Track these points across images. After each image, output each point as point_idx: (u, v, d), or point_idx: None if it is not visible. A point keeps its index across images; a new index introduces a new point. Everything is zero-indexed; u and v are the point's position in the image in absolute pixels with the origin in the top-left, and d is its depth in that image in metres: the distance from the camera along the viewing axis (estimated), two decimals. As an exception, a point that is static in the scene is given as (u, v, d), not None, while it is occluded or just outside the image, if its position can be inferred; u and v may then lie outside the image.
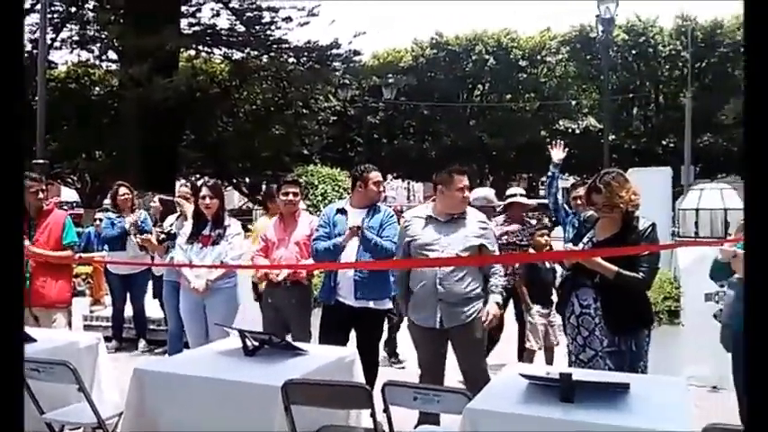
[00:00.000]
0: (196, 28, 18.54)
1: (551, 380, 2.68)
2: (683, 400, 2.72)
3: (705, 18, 26.27)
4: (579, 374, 2.89)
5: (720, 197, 5.67)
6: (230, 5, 18.43)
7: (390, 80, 23.13)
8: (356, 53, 19.51)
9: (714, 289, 5.33)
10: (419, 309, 3.94)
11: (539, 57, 27.87)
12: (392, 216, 4.52)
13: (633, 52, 26.54)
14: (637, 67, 26.53)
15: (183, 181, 13.78)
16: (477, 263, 3.99)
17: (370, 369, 4.04)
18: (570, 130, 26.62)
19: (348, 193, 9.20)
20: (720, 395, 5.01)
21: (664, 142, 24.65)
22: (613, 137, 22.98)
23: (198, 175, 23.80)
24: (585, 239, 3.65)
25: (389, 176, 32.58)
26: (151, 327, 6.75)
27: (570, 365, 3.63)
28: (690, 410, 2.61)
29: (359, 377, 3.54)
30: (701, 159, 22.38)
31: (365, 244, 4.27)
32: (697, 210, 5.73)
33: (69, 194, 24.70)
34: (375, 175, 4.53)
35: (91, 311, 7.69)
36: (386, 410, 2.78)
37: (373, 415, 2.74)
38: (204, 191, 4.84)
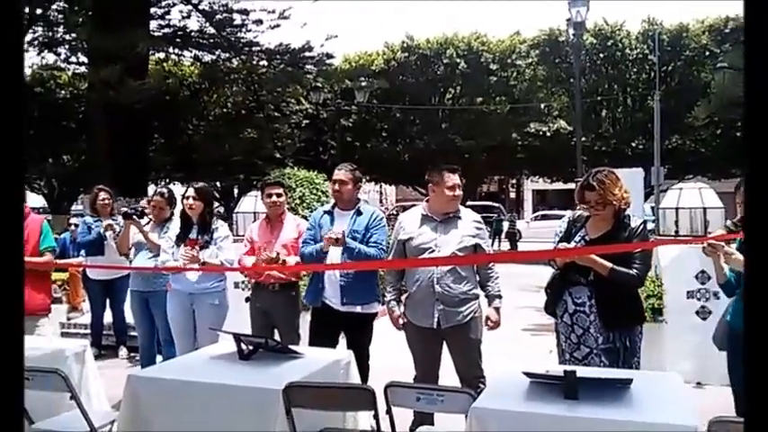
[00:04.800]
0: (166, 30, 18.28)
1: (555, 377, 2.69)
2: (682, 394, 2.75)
3: (670, 22, 26.72)
4: (579, 372, 2.92)
5: (699, 196, 5.77)
6: (200, 7, 18.22)
7: (363, 83, 23.10)
8: (328, 56, 19.41)
9: (696, 286, 5.44)
10: (415, 308, 3.93)
11: (509, 60, 28.06)
12: (380, 219, 4.45)
13: (601, 56, 26.88)
14: (605, 70, 26.89)
15: (155, 188, 13.68)
16: (471, 261, 4.00)
17: (362, 373, 4.03)
18: (541, 133, 26.88)
19: (326, 196, 9.19)
20: (705, 391, 5.09)
21: (633, 144, 25.01)
22: (583, 139, 23.26)
23: (167, 180, 23.50)
24: (578, 238, 3.67)
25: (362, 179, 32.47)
26: (132, 333, 6.62)
27: (563, 364, 3.65)
28: (690, 405, 2.64)
29: (355, 379, 3.52)
30: (670, 160, 22.76)
31: (349, 253, 4.22)
32: (677, 209, 5.81)
33: (36, 200, 24.18)
34: (336, 174, 4.46)
35: (68, 318, 7.51)
36: (388, 412, 2.76)
37: (376, 416, 2.72)
38: (189, 192, 4.75)
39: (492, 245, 24.37)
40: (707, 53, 25.27)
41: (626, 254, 3.46)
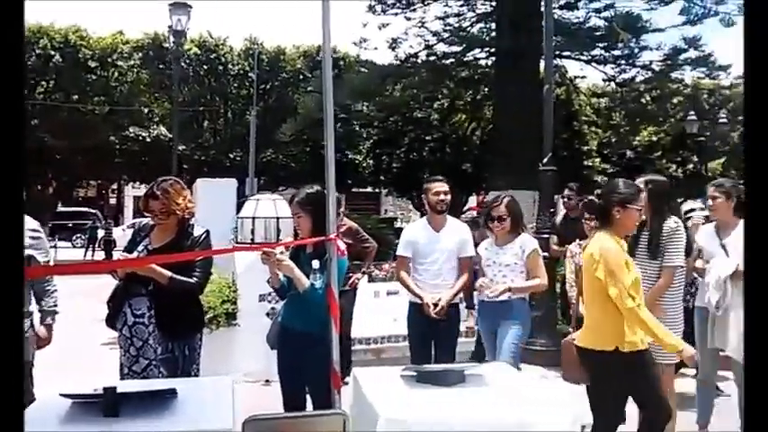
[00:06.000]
0: None
1: (92, 396, 2.54)
2: (225, 397, 2.85)
3: (271, 44, 28.68)
4: (130, 386, 2.82)
5: (274, 207, 6.22)
6: None
7: None
8: None
9: (267, 290, 5.82)
10: None
11: (110, 59, 26.61)
12: None
13: (205, 67, 27.40)
14: (208, 81, 27.47)
15: None
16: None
17: None
18: (141, 138, 26.09)
19: None
20: (271, 388, 5.46)
21: (231, 155, 26.04)
22: (183, 147, 23.27)
23: None
24: (141, 247, 3.58)
25: None
26: None
27: (124, 378, 3.51)
28: (232, 406, 2.76)
29: None
30: (266, 173, 24.32)
31: None
32: (254, 218, 6.16)
33: None
34: None
35: None
36: None
37: None
38: None
39: (86, 253, 22.71)
40: (301, 77, 27.77)
41: (188, 262, 3.49)
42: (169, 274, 3.36)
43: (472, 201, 28.34)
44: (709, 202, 4.44)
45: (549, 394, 3.36)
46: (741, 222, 4.35)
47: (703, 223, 5.07)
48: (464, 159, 24.76)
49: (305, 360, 3.44)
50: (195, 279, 3.48)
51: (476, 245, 4.83)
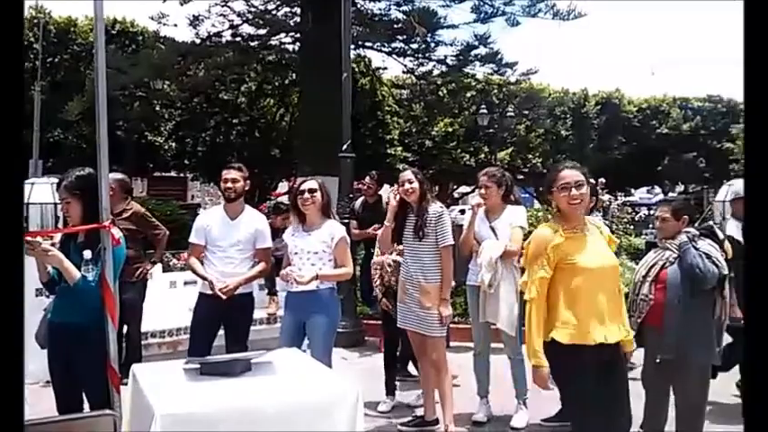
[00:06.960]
0: None
1: None
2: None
3: (59, 14, 26.12)
4: None
5: (51, 191, 5.75)
6: None
7: None
8: None
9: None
10: None
11: None
12: None
13: (-21, 34, 24.38)
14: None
15: None
16: None
17: None
18: None
19: None
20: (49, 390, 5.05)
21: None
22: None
23: None
24: None
25: None
26: None
27: None
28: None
29: None
30: (53, 154, 22.17)
31: None
32: (28, 204, 5.67)
33: None
34: None
35: None
36: None
37: None
38: None
39: None
40: (93, 50, 25.68)
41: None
42: None
43: (283, 186, 28.25)
44: (482, 190, 4.85)
45: (335, 377, 3.44)
46: (508, 207, 4.85)
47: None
48: (273, 144, 24.51)
49: (78, 358, 3.20)
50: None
51: (279, 230, 4.81)
